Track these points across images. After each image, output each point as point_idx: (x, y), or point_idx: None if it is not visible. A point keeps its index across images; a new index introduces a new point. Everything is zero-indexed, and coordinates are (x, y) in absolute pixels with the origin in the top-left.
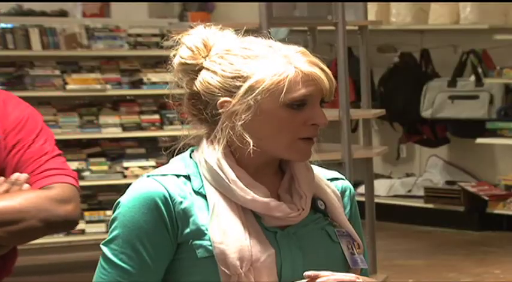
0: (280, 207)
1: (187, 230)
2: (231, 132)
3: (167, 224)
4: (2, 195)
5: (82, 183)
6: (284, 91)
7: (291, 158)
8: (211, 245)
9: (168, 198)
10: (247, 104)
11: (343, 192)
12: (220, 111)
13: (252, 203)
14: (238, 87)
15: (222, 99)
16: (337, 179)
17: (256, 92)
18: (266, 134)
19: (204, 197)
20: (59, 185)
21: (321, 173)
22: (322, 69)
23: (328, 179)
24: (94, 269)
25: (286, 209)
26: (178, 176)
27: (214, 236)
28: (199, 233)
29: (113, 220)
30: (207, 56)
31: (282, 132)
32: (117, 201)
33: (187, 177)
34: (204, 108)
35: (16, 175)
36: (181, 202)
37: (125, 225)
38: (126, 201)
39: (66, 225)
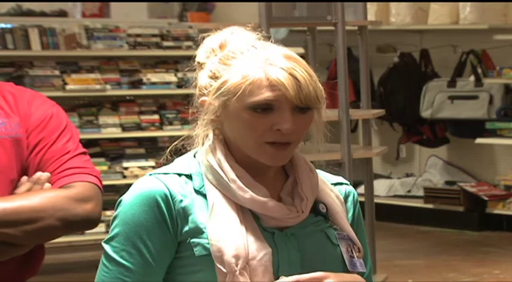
0: (278, 207)
1: (186, 228)
2: (203, 130)
3: (167, 222)
4: (21, 194)
5: None
6: (247, 93)
7: (261, 160)
8: (208, 243)
9: (169, 196)
10: (216, 103)
11: (346, 197)
12: (200, 108)
13: (250, 202)
14: (211, 86)
15: (201, 98)
16: (341, 183)
17: (220, 91)
18: (236, 134)
19: (205, 196)
20: (79, 183)
21: (326, 178)
22: (293, 76)
23: (332, 184)
24: (94, 269)
25: (284, 210)
26: (180, 174)
27: (212, 234)
28: (198, 231)
29: (114, 218)
30: (218, 54)
31: (248, 134)
32: (119, 199)
33: (189, 176)
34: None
35: (38, 174)
36: (181, 200)
37: (126, 223)
38: (128, 199)
39: (86, 224)
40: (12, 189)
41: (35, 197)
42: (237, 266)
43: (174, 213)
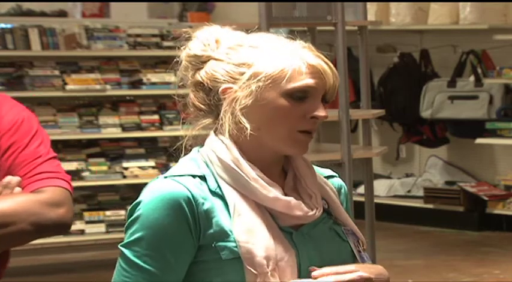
0: (300, 205)
1: (211, 231)
2: (231, 118)
3: (190, 225)
4: None
5: (81, 183)
6: (286, 79)
7: (288, 151)
8: (236, 246)
9: (192, 199)
10: (250, 89)
11: (339, 190)
12: (222, 97)
13: (273, 202)
14: (242, 74)
15: (225, 85)
16: (332, 176)
17: (259, 77)
18: (265, 123)
19: (221, 197)
20: (50, 188)
21: (318, 171)
22: (327, 63)
23: (325, 177)
24: (94, 269)
25: (305, 208)
26: (194, 176)
27: (239, 236)
28: (223, 235)
29: (133, 221)
30: (216, 49)
31: (281, 122)
32: (136, 202)
33: (203, 178)
34: (207, 96)
35: (8, 178)
36: (203, 203)
37: (148, 227)
38: (148, 202)
39: (58, 228)
40: None
41: (6, 201)
42: (268, 267)
43: (197, 217)
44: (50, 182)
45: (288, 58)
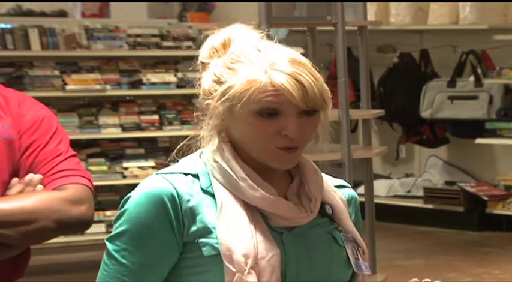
0: (288, 206)
1: (194, 228)
2: (208, 132)
3: (173, 222)
4: (16, 196)
5: None
6: (251, 99)
7: (270, 164)
8: (218, 243)
9: (176, 196)
10: (222, 107)
11: (349, 200)
12: (206, 111)
13: (260, 201)
14: (215, 91)
15: (206, 101)
16: (343, 186)
17: (226, 97)
18: (243, 138)
19: (212, 195)
20: (72, 186)
21: (328, 180)
22: (298, 80)
23: (335, 186)
24: (94, 269)
25: (294, 209)
26: (186, 174)
27: (221, 233)
28: (207, 231)
29: (119, 216)
30: (222, 55)
31: (256, 138)
32: (125, 198)
33: (196, 176)
34: (198, 109)
35: (30, 176)
36: (188, 200)
37: (131, 222)
38: (134, 198)
39: (79, 226)
40: (3, 191)
41: (30, 199)
42: (246, 265)
43: (181, 214)
44: (72, 179)
45: (255, 77)
